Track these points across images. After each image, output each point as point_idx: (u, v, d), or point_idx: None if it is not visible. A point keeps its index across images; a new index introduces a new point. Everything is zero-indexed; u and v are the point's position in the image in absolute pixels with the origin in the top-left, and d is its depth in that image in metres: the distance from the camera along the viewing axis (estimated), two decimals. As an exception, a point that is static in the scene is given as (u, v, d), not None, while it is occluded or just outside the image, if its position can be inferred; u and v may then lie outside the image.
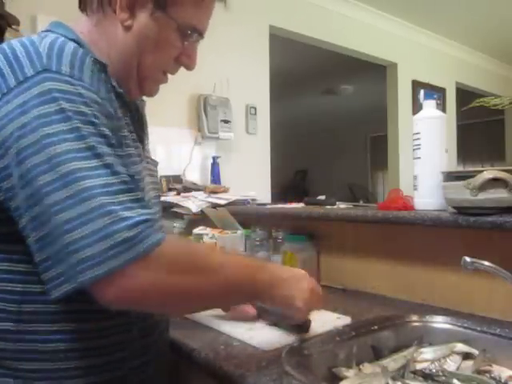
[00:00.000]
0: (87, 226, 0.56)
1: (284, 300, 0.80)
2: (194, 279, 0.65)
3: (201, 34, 0.78)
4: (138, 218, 0.59)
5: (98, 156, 0.59)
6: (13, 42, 0.65)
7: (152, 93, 0.83)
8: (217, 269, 0.69)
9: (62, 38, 0.67)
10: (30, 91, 0.58)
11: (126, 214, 0.58)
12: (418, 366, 0.91)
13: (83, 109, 0.60)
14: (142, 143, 0.84)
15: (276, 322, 0.98)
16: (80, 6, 0.78)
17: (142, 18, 0.72)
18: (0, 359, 0.66)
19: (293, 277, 0.82)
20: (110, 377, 0.72)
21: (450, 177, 1.14)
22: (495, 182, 0.98)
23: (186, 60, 0.79)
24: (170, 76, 0.83)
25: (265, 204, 2.04)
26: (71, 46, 0.66)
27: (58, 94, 0.59)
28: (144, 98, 0.88)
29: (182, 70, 0.85)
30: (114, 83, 0.73)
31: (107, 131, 0.63)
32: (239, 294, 0.77)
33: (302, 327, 0.93)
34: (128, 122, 0.77)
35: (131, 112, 0.80)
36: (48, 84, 0.59)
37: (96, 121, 0.62)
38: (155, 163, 0.94)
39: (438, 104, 4.10)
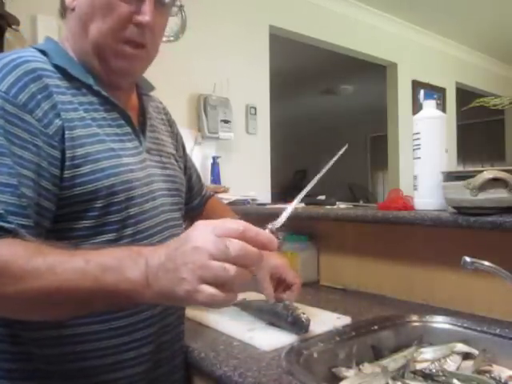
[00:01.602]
0: None
1: (168, 295, 0.56)
2: (15, 288, 0.56)
3: None
4: None
5: None
6: None
7: (123, 70, 0.80)
8: (38, 275, 0.56)
9: (17, 52, 0.72)
10: None
11: None
12: (418, 366, 0.92)
13: None
14: (144, 136, 0.84)
15: (275, 321, 0.98)
16: (62, 20, 0.83)
17: None
18: None
19: (175, 248, 0.56)
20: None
21: (450, 177, 1.14)
22: (495, 182, 0.98)
23: (139, 18, 0.75)
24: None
25: (265, 204, 2.04)
26: (9, 58, 0.70)
27: None
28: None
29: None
30: (89, 81, 0.76)
31: (7, 139, 0.65)
32: (74, 304, 0.60)
33: (301, 327, 0.93)
34: (115, 117, 0.79)
35: (118, 109, 0.80)
36: None
37: None
38: (173, 155, 0.94)
39: (437, 104, 4.10)
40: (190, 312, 1.09)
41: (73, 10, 0.77)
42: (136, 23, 0.75)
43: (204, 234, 0.55)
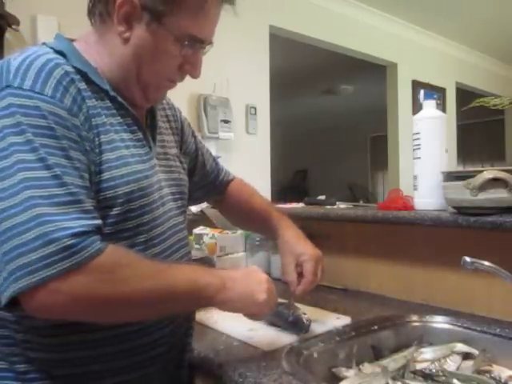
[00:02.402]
0: (26, 234, 0.59)
1: (243, 299, 0.78)
2: (130, 288, 0.65)
3: (202, 42, 0.78)
4: (78, 229, 0.61)
5: (47, 167, 0.62)
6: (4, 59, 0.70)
7: (157, 100, 0.85)
8: (154, 276, 0.68)
9: (41, 52, 0.70)
10: None
11: (67, 224, 0.60)
12: (418, 366, 0.92)
13: (38, 121, 0.63)
14: (154, 142, 0.85)
15: (275, 321, 0.98)
16: (88, 15, 0.79)
17: (139, 30, 0.74)
18: None
19: (246, 274, 0.81)
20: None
21: (450, 177, 1.14)
22: (495, 182, 0.98)
23: (189, 68, 0.80)
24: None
25: (265, 204, 2.04)
26: (44, 59, 0.68)
27: (15, 108, 0.63)
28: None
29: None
30: (106, 87, 0.75)
31: (65, 143, 0.65)
32: (183, 301, 0.73)
33: (302, 327, 0.93)
34: (129, 122, 0.78)
35: (131, 115, 0.79)
36: (9, 99, 0.64)
37: (51, 133, 0.64)
38: (177, 157, 0.94)
39: (437, 104, 4.10)
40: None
41: (126, 40, 0.75)
42: (184, 72, 0.80)
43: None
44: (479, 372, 0.89)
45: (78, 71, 0.72)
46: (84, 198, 0.65)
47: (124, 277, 0.65)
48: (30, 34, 2.03)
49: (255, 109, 2.91)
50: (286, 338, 0.91)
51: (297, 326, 0.93)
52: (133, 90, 0.79)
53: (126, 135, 0.77)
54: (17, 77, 0.65)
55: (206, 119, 2.60)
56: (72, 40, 0.79)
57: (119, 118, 0.77)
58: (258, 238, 1.63)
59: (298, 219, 1.56)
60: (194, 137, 1.08)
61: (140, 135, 0.80)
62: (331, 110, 6.60)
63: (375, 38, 3.78)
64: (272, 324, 0.99)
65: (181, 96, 2.52)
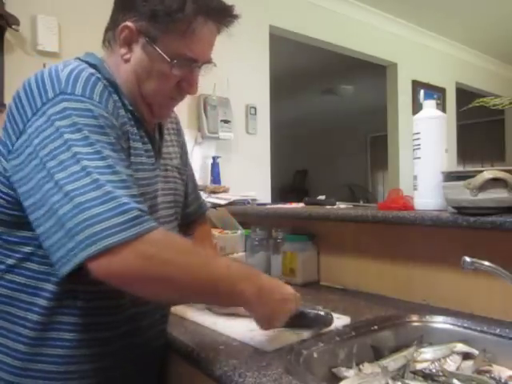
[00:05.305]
0: (101, 206, 0.66)
1: (271, 311, 0.84)
2: (188, 260, 0.73)
3: (196, 61, 0.84)
4: (137, 205, 0.69)
5: (102, 158, 0.71)
6: (44, 69, 0.78)
7: (163, 117, 0.94)
8: (210, 261, 0.76)
9: (83, 66, 0.79)
10: (52, 109, 0.72)
11: (127, 200, 0.68)
12: (418, 366, 0.92)
13: (92, 121, 0.73)
14: (160, 154, 0.94)
15: (296, 322, 0.93)
16: (103, 43, 0.90)
17: (137, 52, 0.83)
18: None
19: (278, 285, 0.87)
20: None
21: (450, 177, 1.14)
22: (495, 182, 0.98)
23: (185, 86, 0.87)
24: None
25: (265, 204, 2.05)
26: (87, 72, 0.78)
27: (71, 111, 0.72)
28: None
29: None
30: (126, 101, 0.84)
31: (112, 139, 0.75)
32: (217, 298, 0.81)
33: (325, 321, 0.94)
34: (142, 134, 0.87)
35: (144, 127, 0.89)
36: (63, 104, 0.72)
37: (102, 130, 0.73)
38: (182, 169, 1.04)
39: (437, 104, 4.10)
40: (189, 313, 1.09)
41: (126, 60, 0.84)
42: (182, 90, 0.87)
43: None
44: (479, 372, 0.89)
45: (110, 84, 0.82)
46: (130, 184, 0.72)
47: (184, 250, 0.74)
48: (30, 34, 2.04)
49: (255, 109, 2.91)
50: (286, 338, 0.91)
51: (319, 321, 0.93)
52: (141, 107, 0.87)
53: (139, 145, 0.86)
54: (68, 85, 0.74)
55: (205, 119, 2.60)
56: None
57: (135, 129, 0.86)
58: (258, 238, 1.63)
59: (298, 219, 1.57)
60: (188, 159, 1.15)
61: (149, 146, 0.89)
62: (331, 109, 6.60)
63: (375, 38, 3.78)
64: (291, 326, 0.94)
65: (181, 96, 2.52)
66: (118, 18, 0.84)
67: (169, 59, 0.81)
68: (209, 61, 0.88)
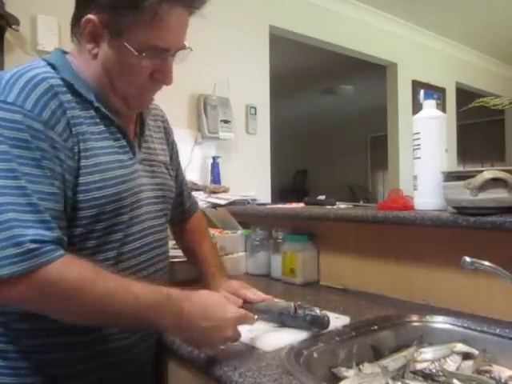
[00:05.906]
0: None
1: (200, 339, 0.79)
2: (85, 294, 0.70)
3: (167, 51, 0.81)
4: (32, 238, 0.66)
5: (15, 178, 0.68)
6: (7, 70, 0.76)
7: (141, 107, 0.91)
8: (97, 298, 0.71)
9: (32, 66, 0.76)
10: None
11: (25, 232, 0.66)
12: (418, 366, 0.92)
13: (16, 134, 0.70)
14: (139, 147, 0.91)
15: (293, 324, 0.95)
16: (71, 36, 0.86)
17: (104, 47, 0.80)
18: None
19: (205, 308, 0.78)
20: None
21: (450, 177, 1.14)
22: (495, 182, 0.98)
23: (160, 77, 0.84)
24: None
25: (265, 204, 2.04)
26: (29, 74, 0.74)
27: None
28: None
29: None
30: (92, 98, 0.81)
31: (37, 154, 0.71)
32: (130, 325, 0.82)
33: (322, 324, 0.93)
34: (112, 130, 0.85)
35: (115, 124, 0.86)
36: None
37: (25, 144, 0.70)
38: (164, 164, 1.00)
39: (437, 104, 4.10)
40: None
41: (94, 56, 0.81)
42: (156, 80, 0.84)
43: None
44: (479, 372, 0.89)
45: (66, 83, 0.78)
46: (45, 206, 0.70)
47: (65, 294, 0.69)
48: (30, 34, 2.03)
49: (255, 109, 2.91)
50: (286, 338, 0.91)
51: (316, 323, 0.93)
52: (112, 101, 0.84)
53: (108, 143, 0.83)
54: (4, 90, 0.72)
55: (205, 119, 2.59)
56: (66, 53, 0.86)
57: (102, 126, 0.83)
58: (258, 238, 1.63)
59: (298, 219, 1.56)
60: (178, 159, 1.14)
61: (123, 142, 0.87)
62: (331, 109, 6.59)
63: (375, 38, 3.78)
64: (285, 325, 0.96)
65: (181, 96, 2.52)
66: (80, 11, 0.80)
67: (136, 52, 0.77)
68: (182, 47, 0.83)
